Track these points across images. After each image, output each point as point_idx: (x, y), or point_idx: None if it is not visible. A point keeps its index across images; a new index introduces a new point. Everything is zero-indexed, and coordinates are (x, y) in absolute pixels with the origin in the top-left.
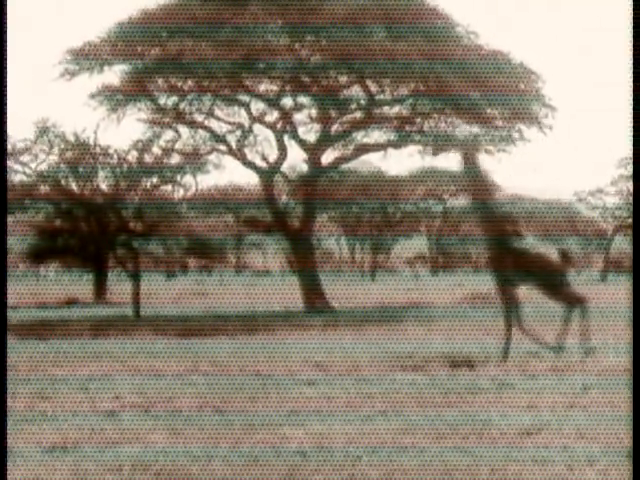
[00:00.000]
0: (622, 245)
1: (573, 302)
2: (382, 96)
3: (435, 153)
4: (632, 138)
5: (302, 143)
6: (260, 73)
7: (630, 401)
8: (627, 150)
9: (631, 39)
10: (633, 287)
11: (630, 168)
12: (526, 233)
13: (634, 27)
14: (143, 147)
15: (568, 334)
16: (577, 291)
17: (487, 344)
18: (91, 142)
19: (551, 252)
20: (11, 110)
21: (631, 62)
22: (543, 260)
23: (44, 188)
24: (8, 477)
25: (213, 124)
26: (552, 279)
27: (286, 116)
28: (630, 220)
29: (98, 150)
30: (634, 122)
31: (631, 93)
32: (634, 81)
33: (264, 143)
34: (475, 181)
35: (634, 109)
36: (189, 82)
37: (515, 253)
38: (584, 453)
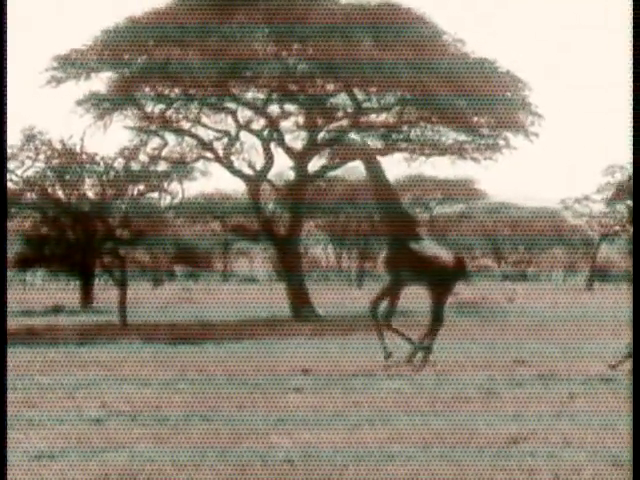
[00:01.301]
0: (608, 253)
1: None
2: (369, 104)
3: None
4: (632, 138)
5: (289, 150)
6: (247, 80)
7: (630, 400)
8: (613, 158)
9: (631, 39)
10: (633, 288)
11: (617, 176)
12: (425, 235)
13: (634, 27)
14: (130, 154)
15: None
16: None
17: (474, 352)
18: (78, 149)
19: (448, 256)
20: None
21: (631, 62)
22: (437, 263)
23: (30, 195)
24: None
25: (200, 131)
26: (442, 282)
27: (273, 123)
28: (616, 227)
29: (85, 157)
30: (634, 123)
31: (631, 93)
32: (634, 82)
33: (251, 150)
34: (378, 184)
35: (634, 110)
36: (176, 89)
37: (411, 254)
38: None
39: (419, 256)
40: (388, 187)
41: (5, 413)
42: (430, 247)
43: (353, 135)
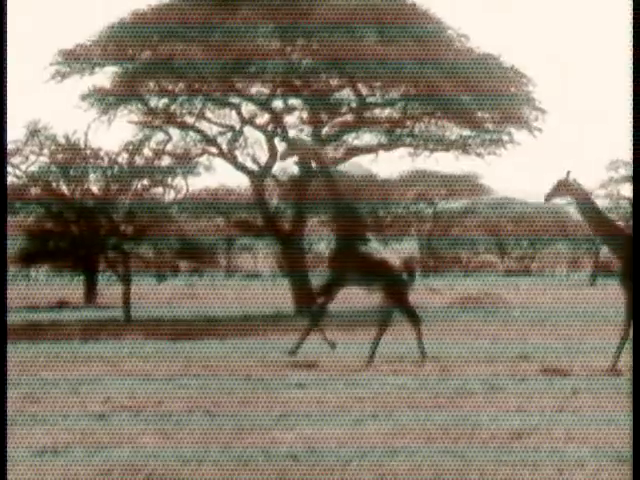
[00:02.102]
0: None
1: (408, 308)
2: (373, 99)
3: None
4: (632, 138)
5: None
6: (251, 75)
7: (630, 400)
8: (617, 153)
9: (630, 39)
10: (633, 287)
11: (621, 171)
12: (371, 235)
13: (634, 27)
14: (134, 149)
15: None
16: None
17: (477, 347)
18: (82, 144)
19: (394, 258)
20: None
21: (631, 62)
22: (384, 265)
23: (34, 190)
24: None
25: (204, 126)
26: (392, 284)
27: (277, 118)
28: (620, 223)
29: (89, 152)
30: (634, 122)
31: (631, 93)
32: (634, 81)
33: (255, 145)
34: (327, 182)
35: (634, 109)
36: (180, 84)
37: (357, 255)
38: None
39: (366, 257)
40: (337, 186)
41: (5, 410)
42: (378, 249)
43: (303, 135)
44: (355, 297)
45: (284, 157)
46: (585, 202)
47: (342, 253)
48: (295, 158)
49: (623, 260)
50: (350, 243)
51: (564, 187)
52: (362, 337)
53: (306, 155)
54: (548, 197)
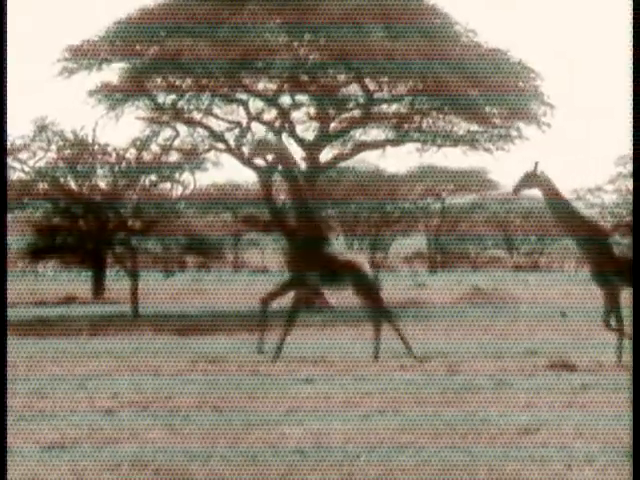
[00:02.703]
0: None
1: (381, 307)
2: (380, 94)
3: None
4: (632, 137)
5: (300, 141)
6: (258, 72)
7: (630, 401)
8: (626, 148)
9: (631, 39)
10: (633, 288)
11: (629, 166)
12: (337, 236)
13: (634, 27)
14: (141, 145)
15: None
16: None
17: (485, 342)
18: (89, 140)
19: (360, 258)
20: (9, 107)
21: (631, 61)
22: (351, 265)
23: (42, 186)
24: (7, 476)
25: (211, 122)
26: (362, 284)
27: (284, 114)
28: (628, 218)
29: (97, 148)
30: (634, 121)
31: (631, 92)
32: (634, 81)
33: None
34: (292, 183)
35: (634, 108)
36: (187, 80)
37: (319, 256)
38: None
39: (329, 259)
40: (300, 188)
41: (5, 413)
42: (339, 250)
43: (270, 136)
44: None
45: (252, 156)
46: (554, 197)
47: (301, 254)
48: (264, 158)
49: (594, 260)
50: (310, 244)
51: (532, 179)
52: (369, 334)
53: (274, 155)
54: (515, 190)
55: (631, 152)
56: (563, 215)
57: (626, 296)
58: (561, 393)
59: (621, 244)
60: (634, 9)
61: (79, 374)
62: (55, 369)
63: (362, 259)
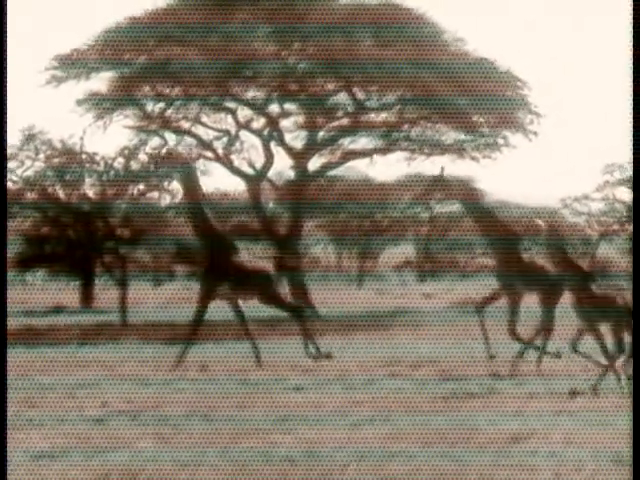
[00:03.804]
0: (607, 251)
1: (292, 307)
2: (369, 102)
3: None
4: (632, 137)
5: (289, 150)
6: (247, 80)
7: (630, 401)
8: (613, 156)
9: (630, 40)
10: (633, 287)
11: (616, 174)
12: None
13: (634, 27)
14: (130, 154)
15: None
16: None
17: (474, 349)
18: (78, 149)
19: (267, 263)
20: None
21: (631, 62)
22: (259, 270)
23: (30, 195)
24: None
25: (200, 131)
26: (267, 288)
27: (273, 123)
28: (615, 226)
29: (85, 157)
30: (634, 122)
31: (631, 93)
32: (634, 81)
33: (251, 150)
34: (193, 195)
35: (634, 109)
36: (176, 89)
37: (234, 264)
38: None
39: (236, 266)
40: (202, 197)
41: (5, 413)
42: (245, 257)
43: (171, 144)
44: (351, 301)
45: (158, 166)
46: (469, 200)
47: (220, 263)
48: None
49: (501, 260)
50: (222, 255)
51: (440, 185)
52: (359, 340)
53: (178, 166)
54: (423, 195)
55: (622, 159)
56: (477, 216)
57: (531, 300)
58: (551, 400)
59: (530, 248)
60: (634, 10)
61: (68, 382)
62: (44, 378)
63: (268, 265)
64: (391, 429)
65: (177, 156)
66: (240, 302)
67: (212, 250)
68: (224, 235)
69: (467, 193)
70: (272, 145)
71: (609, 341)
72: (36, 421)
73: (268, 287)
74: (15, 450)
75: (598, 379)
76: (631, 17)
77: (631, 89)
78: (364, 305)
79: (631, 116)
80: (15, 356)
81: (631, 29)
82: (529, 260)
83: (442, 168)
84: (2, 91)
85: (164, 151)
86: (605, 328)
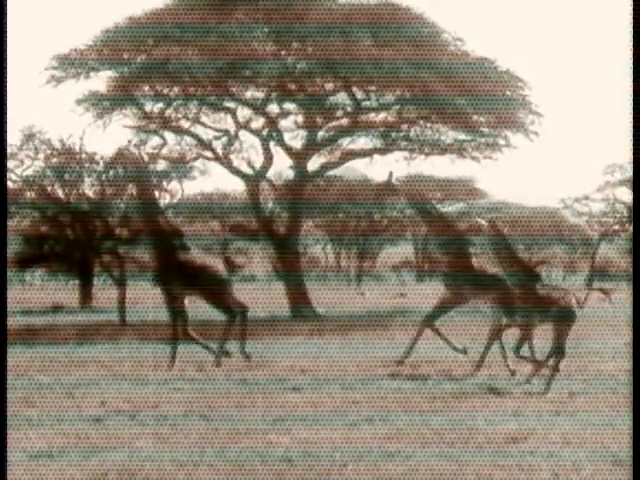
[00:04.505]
0: (607, 252)
1: (234, 308)
2: (368, 102)
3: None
4: (632, 137)
5: (288, 149)
6: (246, 79)
7: (630, 402)
8: (613, 157)
9: (630, 40)
10: (633, 287)
11: (617, 175)
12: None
13: (634, 27)
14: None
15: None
16: (237, 299)
17: (473, 349)
18: (77, 148)
19: (216, 261)
20: None
21: (630, 63)
22: (206, 269)
23: (30, 194)
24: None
25: (199, 130)
26: (214, 287)
27: (272, 122)
28: (616, 227)
29: (84, 156)
30: (634, 122)
31: (631, 93)
32: (634, 82)
33: (250, 149)
34: (144, 194)
35: (634, 110)
36: (175, 88)
37: (180, 263)
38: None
39: (188, 265)
40: (154, 198)
41: (5, 412)
42: (197, 256)
43: (126, 144)
44: (349, 301)
45: (112, 164)
46: (416, 200)
47: (167, 264)
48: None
49: (448, 261)
50: (172, 254)
51: (388, 189)
52: (357, 340)
53: (129, 165)
54: (374, 200)
55: (622, 160)
56: (426, 217)
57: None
58: (549, 400)
59: (476, 250)
60: (634, 10)
61: (67, 382)
62: (42, 377)
63: (214, 262)
64: (389, 429)
65: (129, 156)
66: (186, 302)
67: (162, 250)
68: (174, 234)
69: (415, 196)
70: (271, 145)
71: (550, 342)
72: (35, 420)
73: (212, 287)
74: (14, 449)
75: (528, 379)
76: (631, 17)
77: (631, 89)
78: (363, 305)
79: (631, 116)
80: (13, 355)
81: (631, 29)
82: (477, 261)
83: (390, 173)
84: (2, 91)
85: (115, 150)
86: (546, 328)
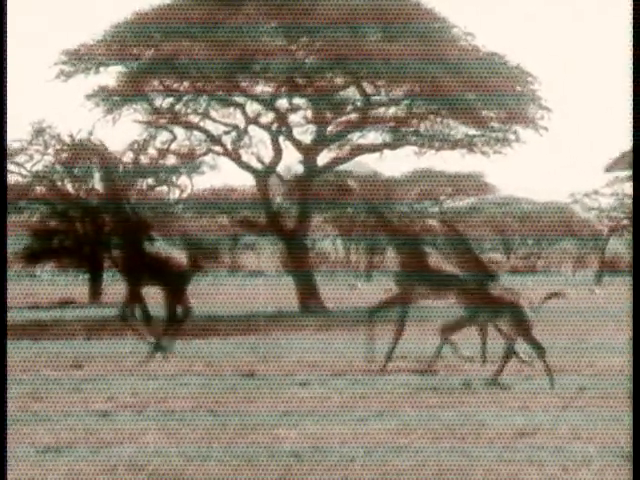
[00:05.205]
0: (617, 246)
1: (179, 307)
2: (378, 97)
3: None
4: (632, 137)
5: (297, 144)
6: (255, 74)
7: (630, 402)
8: (623, 151)
9: (631, 39)
10: (633, 287)
11: (627, 169)
12: (159, 236)
13: (634, 27)
14: (139, 148)
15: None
16: (187, 299)
17: (480, 344)
18: (86, 143)
19: (181, 256)
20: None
21: (631, 62)
22: (171, 263)
23: (39, 189)
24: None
25: (208, 125)
26: (176, 283)
27: (281, 117)
28: (625, 222)
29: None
30: (634, 122)
31: (631, 93)
32: (634, 81)
33: (259, 144)
34: (109, 186)
35: (634, 109)
36: (184, 83)
37: (145, 255)
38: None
39: (152, 257)
40: (117, 187)
41: (5, 409)
42: (164, 248)
43: (91, 138)
44: (356, 297)
45: (73, 160)
46: (371, 202)
47: (131, 256)
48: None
49: (401, 259)
50: (137, 246)
51: (344, 187)
52: (365, 336)
53: (91, 155)
54: (333, 198)
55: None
56: (379, 218)
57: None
58: (557, 396)
59: (431, 250)
60: (634, 10)
61: (75, 377)
62: (51, 372)
63: (179, 257)
64: (398, 424)
65: (92, 147)
66: (143, 292)
67: (130, 246)
68: (141, 231)
69: (368, 194)
70: (281, 140)
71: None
72: (42, 415)
73: (167, 281)
74: (21, 444)
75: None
76: (631, 17)
77: (631, 89)
78: (372, 300)
79: (631, 116)
80: (22, 350)
81: (631, 29)
82: (432, 260)
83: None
84: (2, 91)
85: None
86: (498, 327)
